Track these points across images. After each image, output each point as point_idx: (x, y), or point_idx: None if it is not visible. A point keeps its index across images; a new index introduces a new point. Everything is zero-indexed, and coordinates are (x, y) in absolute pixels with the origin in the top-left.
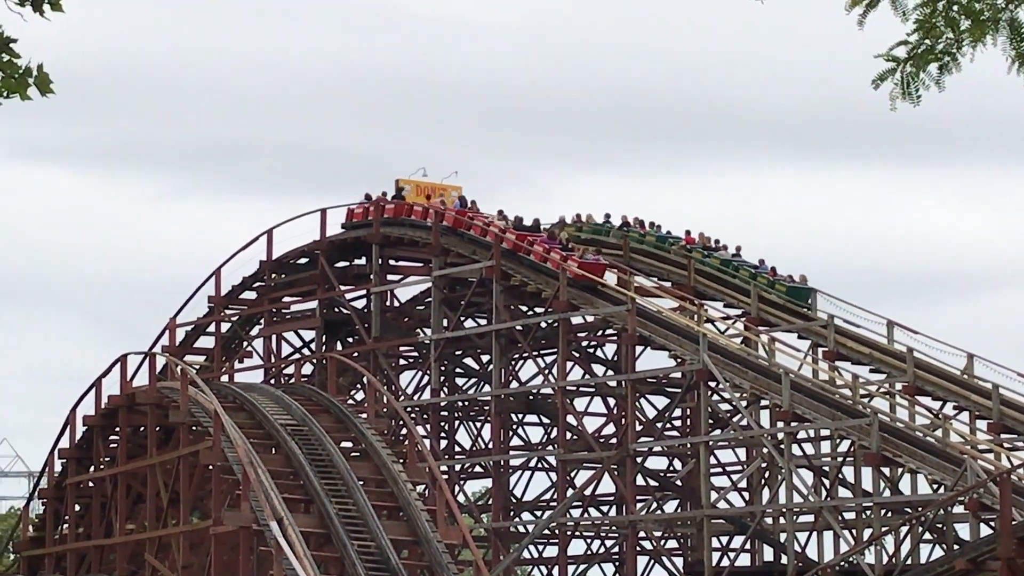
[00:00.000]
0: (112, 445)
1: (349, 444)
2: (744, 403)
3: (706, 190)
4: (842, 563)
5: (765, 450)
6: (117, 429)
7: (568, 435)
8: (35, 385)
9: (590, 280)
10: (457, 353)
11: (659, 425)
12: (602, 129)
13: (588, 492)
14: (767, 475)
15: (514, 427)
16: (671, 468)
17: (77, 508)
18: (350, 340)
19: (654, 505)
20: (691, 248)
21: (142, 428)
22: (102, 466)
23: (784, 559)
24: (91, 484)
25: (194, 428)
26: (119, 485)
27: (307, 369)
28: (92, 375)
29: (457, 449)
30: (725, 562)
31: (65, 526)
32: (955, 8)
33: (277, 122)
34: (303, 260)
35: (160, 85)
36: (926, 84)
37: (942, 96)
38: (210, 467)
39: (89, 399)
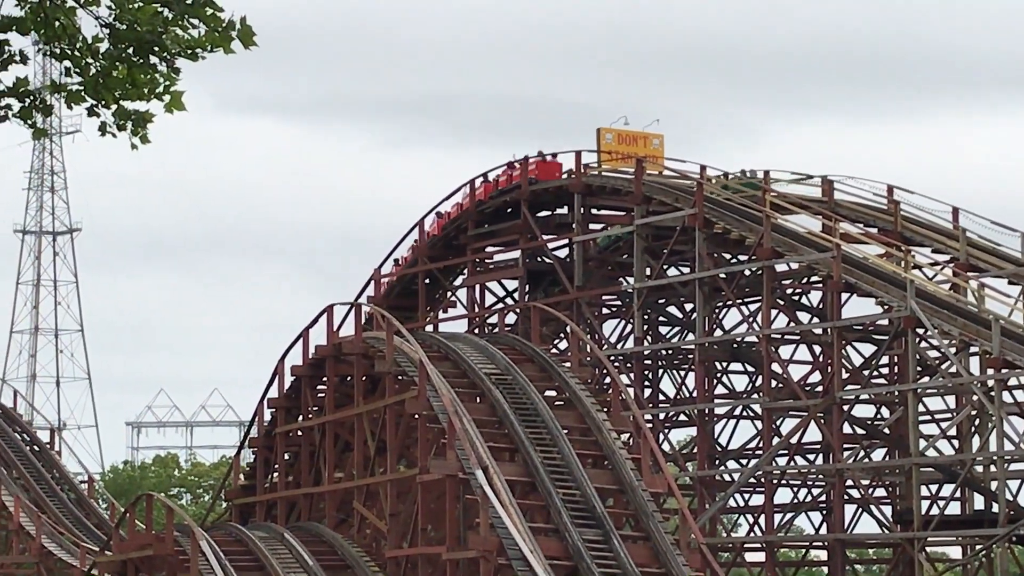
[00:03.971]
0: (320, 394)
1: (553, 393)
2: (953, 350)
3: (915, 134)
4: None
5: (975, 397)
6: (324, 379)
7: (773, 383)
8: (245, 336)
9: (545, 177)
10: (660, 301)
11: (866, 373)
12: (810, 75)
13: (794, 440)
14: (977, 423)
15: (718, 375)
16: (878, 416)
17: (286, 457)
18: (553, 289)
19: (861, 453)
20: None
21: (349, 378)
22: (310, 415)
23: (995, 507)
24: (300, 433)
25: (400, 377)
26: (327, 434)
27: (510, 318)
28: (300, 326)
29: (661, 398)
30: (935, 510)
31: (275, 474)
32: None
33: (488, 72)
34: (506, 210)
35: (372, 36)
36: None
37: None
38: (416, 416)
39: (297, 349)
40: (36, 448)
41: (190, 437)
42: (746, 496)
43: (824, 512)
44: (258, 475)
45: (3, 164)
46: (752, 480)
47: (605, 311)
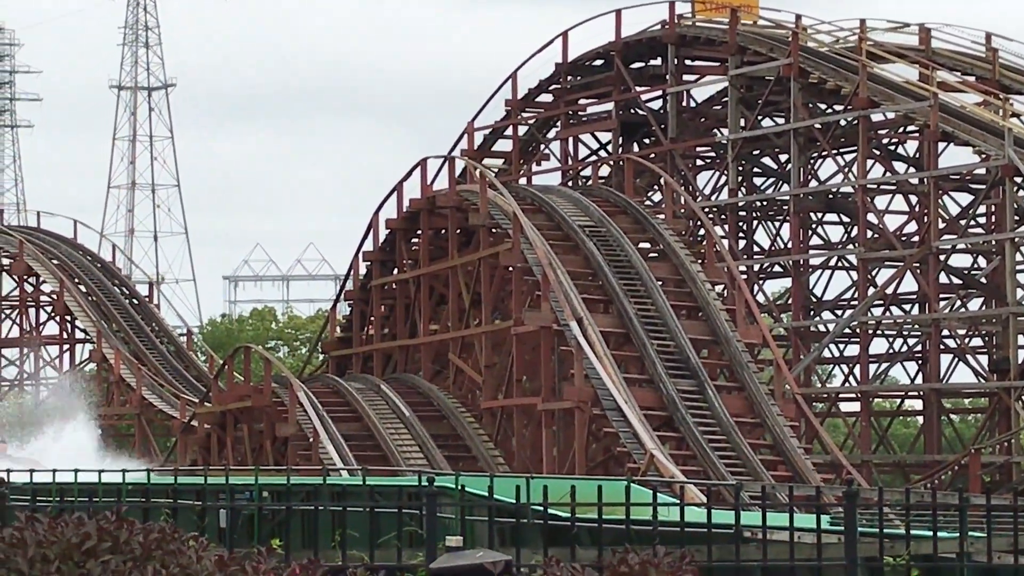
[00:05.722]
0: (414, 248)
1: (647, 245)
2: None
3: None
4: None
5: None
6: (419, 232)
7: (869, 233)
8: (339, 190)
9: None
10: (755, 153)
11: (962, 222)
12: None
13: (890, 290)
14: None
15: (813, 226)
16: (975, 265)
17: (382, 309)
18: (647, 141)
19: (958, 303)
20: None
21: (443, 231)
22: (405, 268)
23: None
24: (395, 286)
25: (494, 230)
26: (422, 287)
27: (604, 171)
28: (393, 179)
29: (756, 249)
30: None
31: (370, 327)
32: None
33: None
34: (599, 62)
35: None
36: None
37: None
38: (510, 268)
39: (391, 203)
40: (135, 302)
41: (286, 291)
42: (841, 346)
43: (920, 362)
44: (354, 328)
45: (99, 20)
46: (847, 331)
47: (699, 163)
